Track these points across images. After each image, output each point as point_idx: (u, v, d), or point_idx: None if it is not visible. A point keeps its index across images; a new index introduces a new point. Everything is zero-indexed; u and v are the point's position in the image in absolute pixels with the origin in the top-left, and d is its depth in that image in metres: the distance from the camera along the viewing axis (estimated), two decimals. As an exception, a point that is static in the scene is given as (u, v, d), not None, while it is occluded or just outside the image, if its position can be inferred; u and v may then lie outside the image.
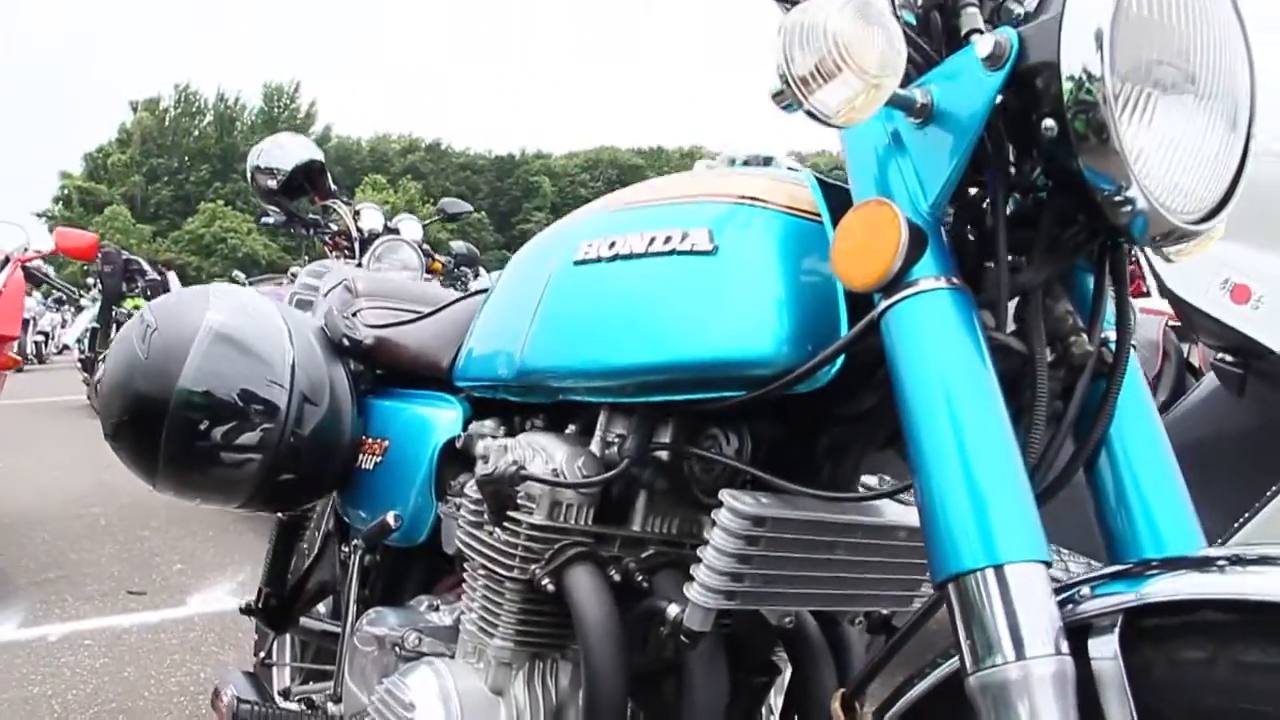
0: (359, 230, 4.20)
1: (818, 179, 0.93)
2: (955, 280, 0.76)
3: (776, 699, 1.15)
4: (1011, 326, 0.82)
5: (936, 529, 0.71)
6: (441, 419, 1.33)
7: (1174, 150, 0.76)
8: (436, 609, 1.26)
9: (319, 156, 4.12)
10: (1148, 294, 2.72)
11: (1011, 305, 0.83)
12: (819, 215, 0.90)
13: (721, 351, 0.89)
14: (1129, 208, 0.74)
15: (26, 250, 4.29)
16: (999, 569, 0.68)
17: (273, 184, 4.01)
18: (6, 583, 3.54)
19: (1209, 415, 2.04)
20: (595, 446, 1.06)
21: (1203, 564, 0.71)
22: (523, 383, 1.13)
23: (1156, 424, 0.86)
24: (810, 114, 0.73)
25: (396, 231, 4.32)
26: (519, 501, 1.02)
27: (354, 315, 1.57)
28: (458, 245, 7.02)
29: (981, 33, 0.79)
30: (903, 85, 0.78)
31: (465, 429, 1.28)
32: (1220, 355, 1.94)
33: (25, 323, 13.13)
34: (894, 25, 0.73)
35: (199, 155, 56.58)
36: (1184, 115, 0.76)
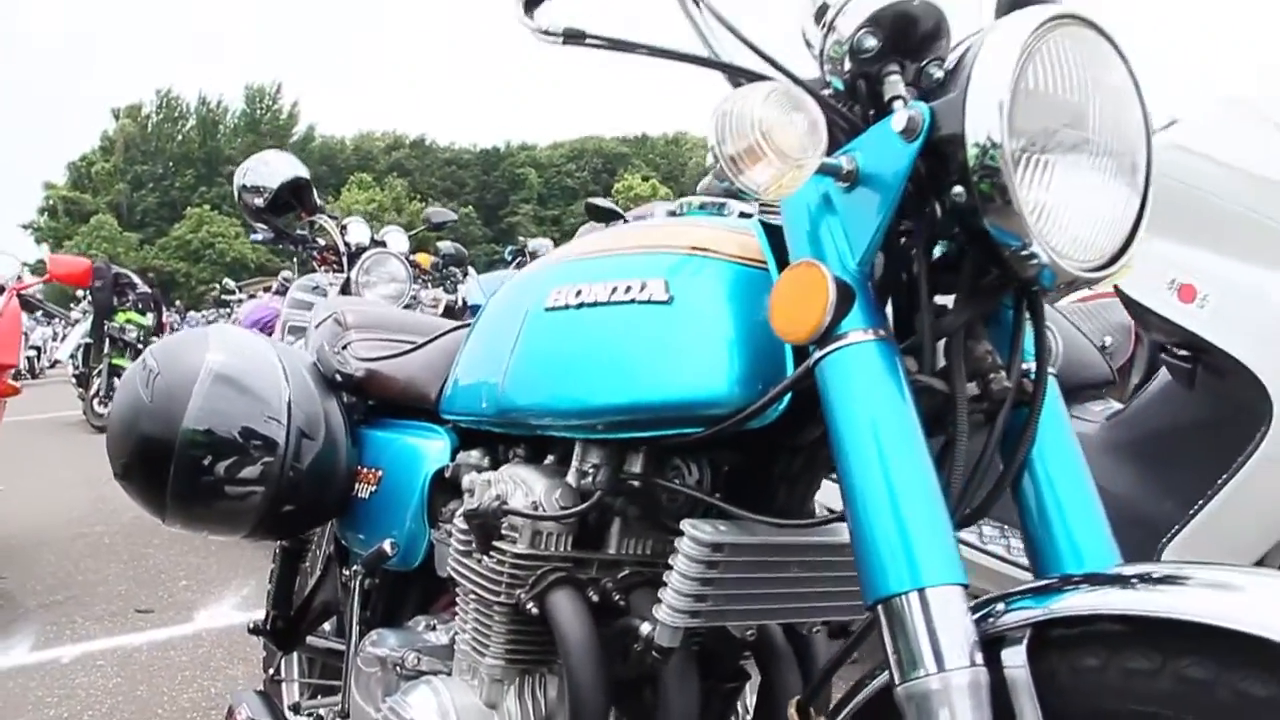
0: (346, 244, 4.28)
1: (764, 226, 1.02)
2: (881, 332, 0.85)
3: (751, 698, 1.24)
4: (944, 361, 0.91)
5: (865, 556, 0.80)
6: (431, 449, 1.41)
7: (1074, 206, 0.85)
8: (433, 628, 1.35)
9: (304, 173, 4.20)
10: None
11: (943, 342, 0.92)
12: (764, 263, 0.99)
13: (680, 393, 0.98)
14: (1034, 261, 0.83)
15: (21, 279, 4.36)
16: (921, 591, 0.77)
17: (260, 202, 4.09)
18: (16, 605, 3.63)
19: (1163, 408, 2.14)
20: (571, 477, 1.15)
21: (1106, 580, 0.79)
22: (503, 418, 1.22)
23: (1075, 448, 0.95)
24: (741, 191, 0.82)
25: (383, 244, 4.40)
26: (503, 532, 1.11)
27: (344, 348, 1.65)
28: (445, 245, 7.11)
29: (903, 99, 0.88)
30: (831, 152, 0.87)
31: (454, 459, 1.37)
32: (1171, 350, 2.04)
33: (18, 340, 13.18)
34: (815, 110, 0.82)
35: (183, 160, 56.45)
36: (1081, 174, 0.85)
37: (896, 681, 0.77)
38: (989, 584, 1.67)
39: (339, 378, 1.59)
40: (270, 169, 4.10)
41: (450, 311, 5.48)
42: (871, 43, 0.88)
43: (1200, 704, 0.69)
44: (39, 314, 15.45)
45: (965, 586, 0.78)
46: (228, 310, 13.46)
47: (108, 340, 9.13)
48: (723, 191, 2.83)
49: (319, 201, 4.32)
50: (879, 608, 0.79)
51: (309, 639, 1.77)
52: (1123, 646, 0.74)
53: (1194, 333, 1.88)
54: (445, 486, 1.37)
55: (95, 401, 8.88)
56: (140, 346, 9.48)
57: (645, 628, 1.02)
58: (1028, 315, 0.93)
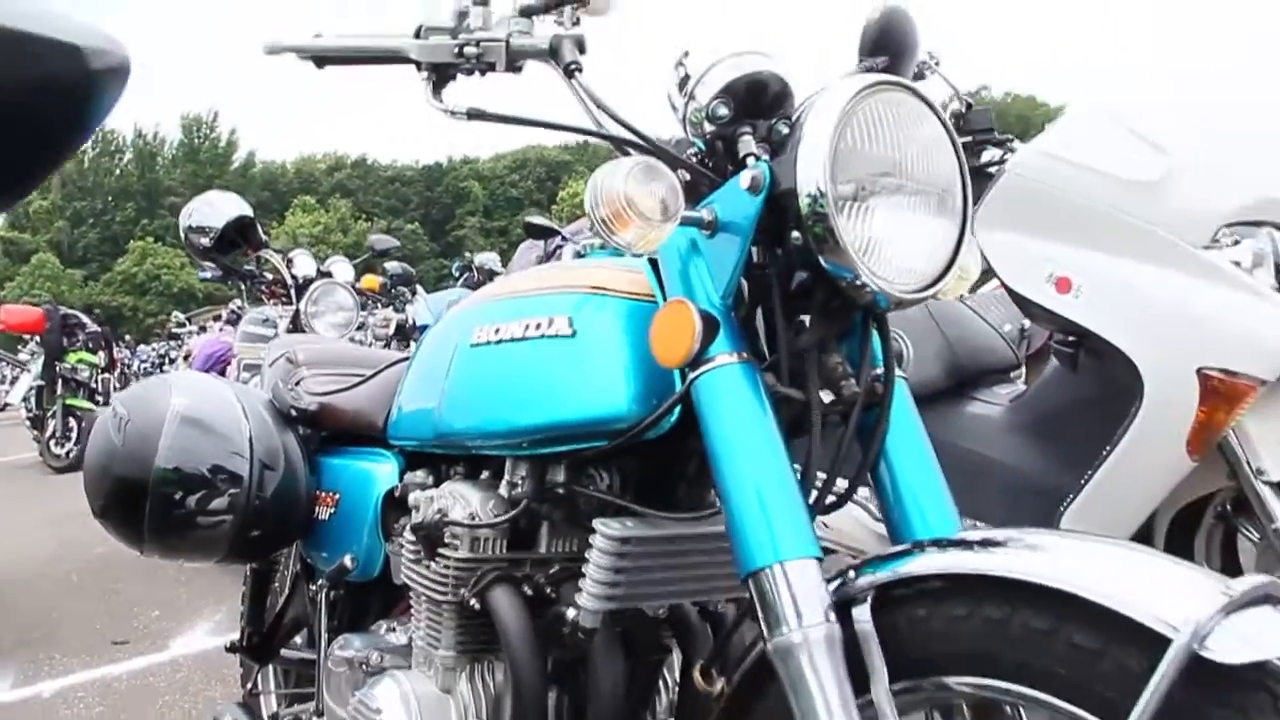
0: (293, 277, 4.41)
1: (652, 264, 1.19)
2: (743, 354, 1.03)
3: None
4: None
5: (736, 538, 0.98)
6: (381, 472, 1.57)
7: (896, 241, 1.03)
8: (393, 630, 1.51)
9: (248, 211, 4.32)
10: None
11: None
12: (654, 297, 1.16)
13: (586, 413, 1.15)
14: (866, 289, 1.01)
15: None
16: (782, 564, 0.94)
17: (206, 242, 4.20)
18: (-7, 646, 3.72)
19: (1055, 390, 2.33)
20: (503, 489, 1.31)
21: (936, 547, 0.97)
22: (442, 441, 1.39)
23: (923, 438, 1.13)
24: (616, 247, 1.00)
25: (329, 274, 4.54)
26: (446, 541, 1.28)
27: (298, 384, 1.81)
28: (392, 266, 7.22)
29: (754, 155, 1.06)
30: (698, 203, 1.05)
31: (401, 479, 1.53)
32: (1055, 338, 2.23)
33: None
34: (672, 178, 0.99)
35: (122, 194, 55.79)
36: (901, 214, 1.03)
37: (767, 640, 0.94)
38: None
39: (294, 412, 1.75)
40: (214, 209, 4.21)
41: (401, 330, 5.61)
42: (724, 111, 1.06)
43: (1002, 639, 0.87)
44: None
45: (819, 559, 0.96)
46: (179, 342, 13.46)
47: (60, 381, 9.14)
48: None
49: (264, 236, 4.45)
50: (749, 581, 0.96)
51: (283, 651, 1.92)
52: (945, 599, 0.91)
53: (1072, 321, 2.07)
54: (396, 504, 1.53)
55: (51, 442, 8.89)
56: (93, 386, 9.50)
57: (571, 613, 1.19)
58: (875, 330, 1.11)
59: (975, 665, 0.89)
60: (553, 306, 1.22)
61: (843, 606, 0.94)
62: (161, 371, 13.12)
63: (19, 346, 11.58)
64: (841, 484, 1.09)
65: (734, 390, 1.01)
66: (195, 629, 3.79)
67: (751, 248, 1.04)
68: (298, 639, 1.99)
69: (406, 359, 1.69)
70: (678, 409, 1.09)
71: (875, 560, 0.98)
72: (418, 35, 1.19)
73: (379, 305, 6.32)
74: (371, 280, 6.52)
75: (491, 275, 9.68)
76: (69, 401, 8.93)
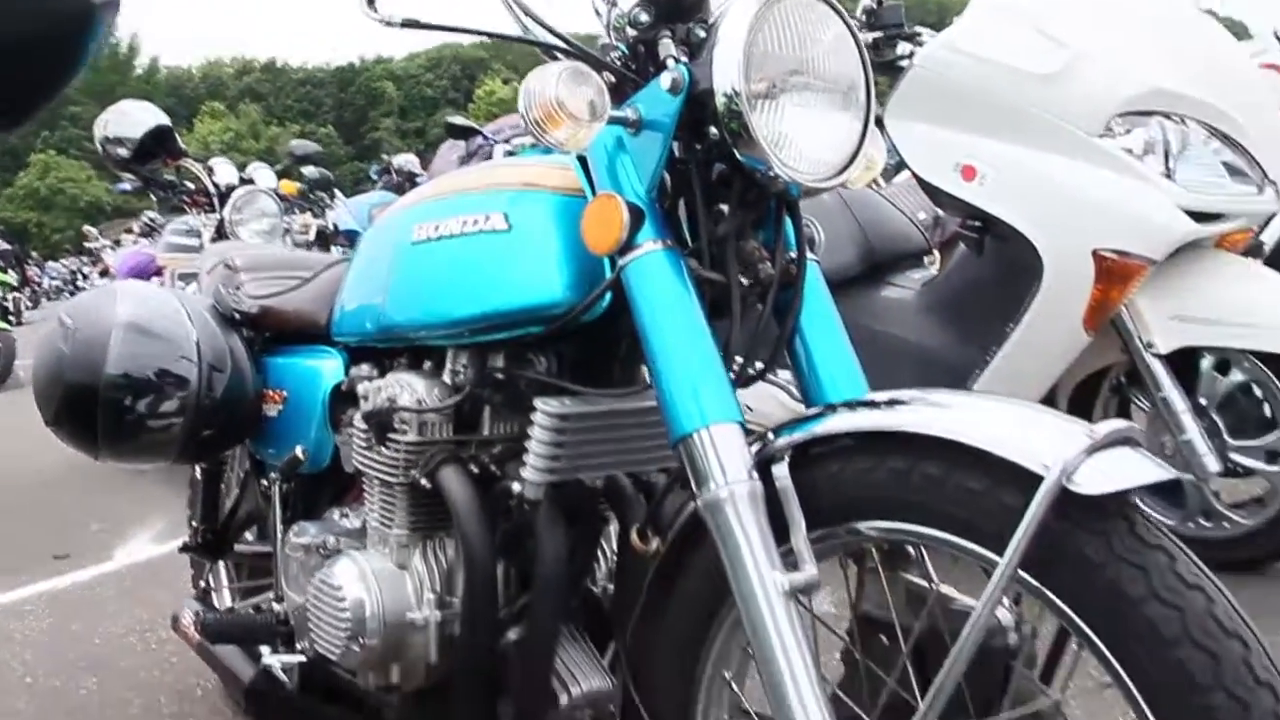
0: (215, 185, 4.37)
1: (581, 161, 1.26)
2: (668, 241, 1.12)
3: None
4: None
5: (666, 407, 1.08)
6: (327, 368, 1.64)
7: (805, 134, 1.12)
8: (346, 516, 1.59)
9: (165, 120, 4.24)
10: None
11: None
12: (583, 192, 1.24)
13: (524, 301, 1.24)
14: (779, 179, 1.10)
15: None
16: (708, 428, 1.05)
17: (124, 153, 4.13)
18: (-71, 569, 3.72)
19: (962, 272, 2.47)
20: (447, 377, 1.40)
21: (846, 408, 1.08)
22: (385, 335, 1.47)
23: (833, 313, 1.24)
24: (549, 146, 1.07)
25: (251, 181, 4.51)
26: (395, 426, 1.37)
27: (238, 289, 1.86)
28: (310, 171, 7.12)
29: (674, 58, 1.13)
30: (620, 104, 1.13)
31: (347, 374, 1.61)
32: (962, 224, 2.36)
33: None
34: (598, 81, 1.07)
35: (19, 104, 53.32)
36: (808, 110, 1.12)
37: (697, 498, 1.05)
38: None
39: (237, 315, 1.80)
40: (130, 119, 4.13)
41: (321, 236, 5.58)
42: (645, 16, 1.14)
43: (904, 486, 0.98)
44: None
45: (741, 424, 1.06)
46: (91, 258, 13.14)
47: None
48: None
49: (182, 145, 4.39)
50: (679, 445, 1.07)
51: (236, 547, 2.00)
52: (854, 454, 1.03)
53: (977, 207, 2.20)
54: (343, 398, 1.60)
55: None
56: (5, 304, 9.29)
57: (516, 487, 1.29)
58: (789, 216, 1.21)
59: (882, 511, 1.00)
60: (488, 203, 1.29)
61: (763, 465, 1.05)
62: (75, 289, 12.83)
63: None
64: (761, 367, 1.20)
65: (660, 274, 1.11)
66: (137, 539, 3.83)
67: (672, 144, 1.13)
68: (248, 535, 2.07)
69: (344, 260, 1.75)
70: (609, 294, 1.18)
71: (792, 423, 1.09)
72: None
73: (297, 211, 6.26)
74: (289, 186, 6.44)
75: (411, 177, 9.57)
76: (-16, 322, 8.74)
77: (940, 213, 3.15)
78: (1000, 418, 0.96)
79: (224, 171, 4.43)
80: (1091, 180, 2.08)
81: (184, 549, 2.10)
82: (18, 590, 3.37)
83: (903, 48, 2.44)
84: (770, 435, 1.09)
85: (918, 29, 2.58)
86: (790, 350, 1.21)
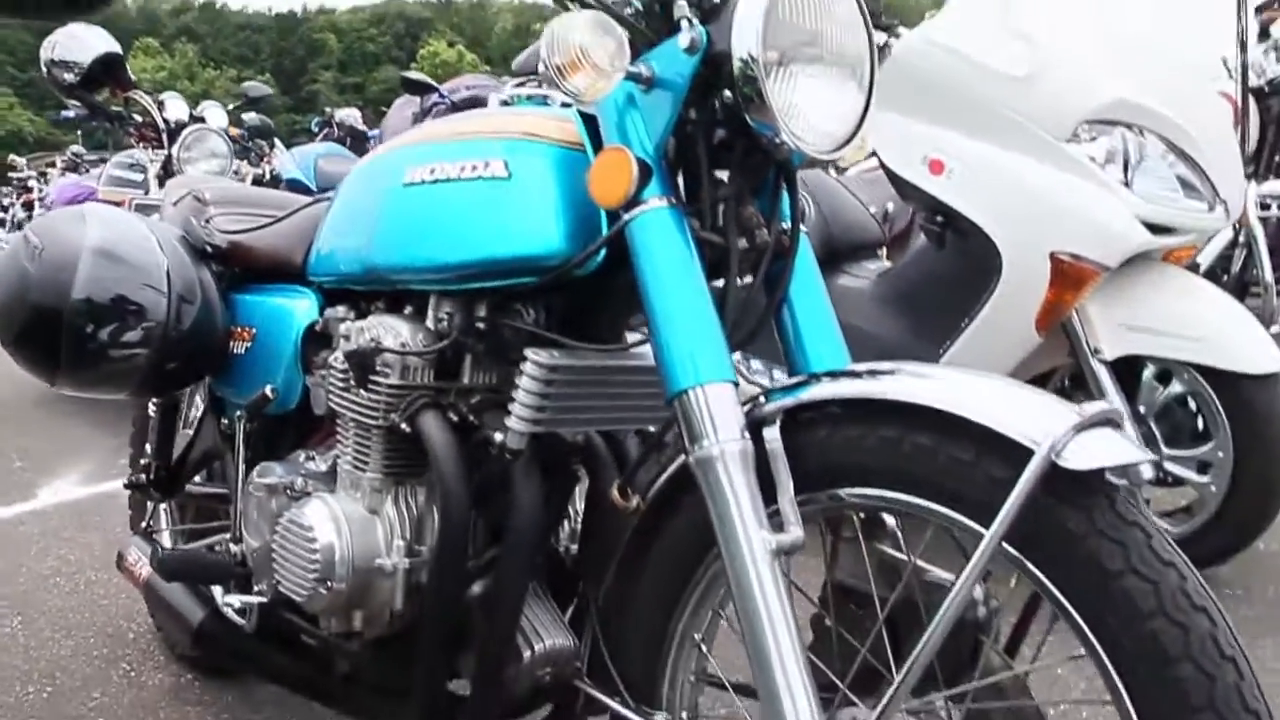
0: (165, 121, 4.27)
1: (582, 115, 1.27)
2: (673, 200, 1.14)
3: (581, 503, 1.54)
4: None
5: (663, 364, 1.10)
6: (300, 308, 1.63)
7: (812, 105, 1.14)
8: (313, 459, 1.58)
9: (116, 48, 4.13)
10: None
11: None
12: (583, 146, 1.25)
13: (520, 249, 1.24)
14: (784, 146, 1.12)
15: None
16: (702, 387, 1.07)
17: (71, 78, 4.01)
18: None
19: (920, 265, 2.53)
20: (430, 323, 1.40)
21: (833, 377, 1.11)
22: (369, 277, 1.46)
23: (820, 285, 1.27)
24: (566, 94, 1.08)
25: (202, 120, 4.41)
26: (377, 368, 1.36)
27: (208, 222, 1.83)
28: (250, 117, 6.99)
29: (688, 19, 1.14)
30: (634, 60, 1.14)
31: (321, 315, 1.60)
32: (923, 217, 2.41)
33: None
34: (621, 33, 1.08)
35: (-59, 24, 51.35)
36: (817, 82, 1.14)
37: (689, 453, 1.07)
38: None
39: (209, 249, 1.77)
40: (80, 43, 4.01)
41: (259, 184, 5.47)
42: None
43: (894, 454, 1.02)
44: None
45: (736, 384, 1.09)
46: (17, 189, 12.71)
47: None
48: (537, 67, 3.06)
49: (132, 76, 4.27)
50: (674, 402, 1.09)
51: (187, 487, 1.97)
52: (844, 421, 1.06)
53: (942, 200, 2.25)
54: (315, 338, 1.59)
55: None
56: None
57: (498, 436, 1.29)
58: (785, 186, 1.23)
59: (869, 478, 1.04)
60: (487, 150, 1.29)
61: (754, 427, 1.08)
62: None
63: None
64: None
65: (664, 230, 1.12)
66: (63, 479, 3.74)
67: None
68: (196, 476, 2.04)
69: (321, 200, 1.73)
70: (605, 249, 1.19)
71: (781, 389, 1.12)
72: None
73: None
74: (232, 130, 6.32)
75: (353, 131, 9.43)
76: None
77: (890, 208, 3.22)
78: (989, 392, 0.99)
79: (175, 107, 4.33)
80: (1055, 183, 2.14)
81: (130, 486, 2.06)
82: (-59, 525, 3.28)
83: (879, 38, 2.46)
84: (761, 399, 1.11)
85: (893, 20, 2.62)
86: (777, 319, 1.24)
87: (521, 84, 3.11)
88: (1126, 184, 2.16)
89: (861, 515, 1.13)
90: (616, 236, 1.16)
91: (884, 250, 3.02)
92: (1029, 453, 0.91)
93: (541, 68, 1.09)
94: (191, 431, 1.94)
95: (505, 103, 2.40)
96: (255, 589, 1.56)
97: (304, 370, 1.60)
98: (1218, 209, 2.21)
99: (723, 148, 1.19)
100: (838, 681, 1.08)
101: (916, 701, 1.04)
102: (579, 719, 1.42)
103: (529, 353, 1.27)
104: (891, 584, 1.10)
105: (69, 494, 3.58)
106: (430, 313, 1.40)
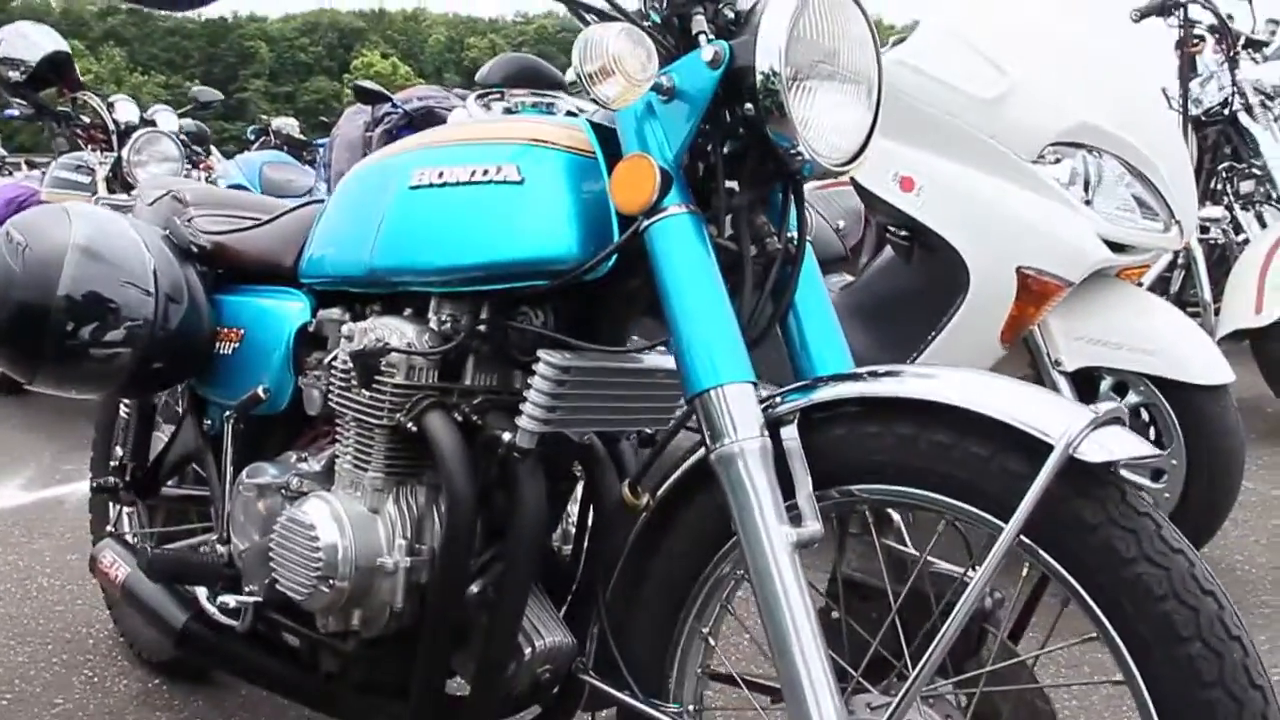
0: (115, 122, 4.20)
1: (592, 124, 1.30)
2: (692, 207, 1.17)
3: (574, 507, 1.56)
4: (730, 232, 1.24)
5: (685, 364, 1.13)
6: (291, 309, 1.63)
7: (827, 119, 1.18)
8: (304, 460, 1.58)
9: (65, 47, 4.07)
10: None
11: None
12: (593, 153, 1.28)
13: (533, 253, 1.26)
14: (800, 158, 1.16)
15: None
16: (723, 387, 1.10)
17: (17, 76, 3.94)
18: None
19: (887, 279, 2.59)
20: (433, 324, 1.41)
21: (846, 378, 1.15)
22: (370, 279, 1.46)
23: (824, 293, 1.31)
24: (594, 100, 1.11)
25: (153, 123, 4.35)
26: (382, 369, 1.37)
27: (189, 222, 1.82)
28: (186, 123, 6.90)
29: (706, 34, 1.18)
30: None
31: (314, 316, 1.60)
32: (894, 231, 2.48)
33: None
34: (650, 44, 1.11)
35: None
36: (832, 97, 1.19)
37: (709, 449, 1.10)
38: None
39: (194, 249, 1.76)
40: (28, 41, 3.94)
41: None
42: None
43: (911, 451, 1.06)
44: None
45: (754, 384, 1.12)
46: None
47: None
48: (501, 80, 3.09)
49: (80, 77, 4.21)
50: (696, 401, 1.12)
51: (163, 490, 1.95)
52: (860, 419, 1.10)
53: (912, 216, 2.32)
54: (307, 340, 1.59)
55: None
56: None
57: (507, 436, 1.31)
58: (793, 198, 1.28)
59: (884, 475, 1.07)
60: (498, 155, 1.31)
61: (771, 426, 1.11)
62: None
63: None
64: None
65: (685, 237, 1.16)
66: (8, 485, 3.66)
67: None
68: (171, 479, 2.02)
69: (310, 204, 1.74)
70: (615, 254, 1.22)
71: (795, 389, 1.16)
72: None
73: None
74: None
75: (290, 140, 9.34)
76: None
77: (841, 224, 3.29)
78: (1003, 391, 1.04)
79: (125, 109, 4.27)
80: (1022, 202, 2.22)
81: (99, 489, 2.03)
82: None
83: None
84: (777, 399, 1.15)
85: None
86: (783, 324, 1.28)
87: (483, 96, 3.13)
88: (1088, 203, 2.25)
89: (870, 511, 1.17)
90: (632, 240, 1.19)
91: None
92: (1047, 447, 0.95)
93: (571, 75, 1.11)
94: (173, 433, 1.91)
95: (509, 110, 2.43)
96: (246, 589, 1.55)
97: (296, 371, 1.60)
98: (1173, 229, 2.31)
99: (734, 158, 1.23)
100: (850, 669, 1.11)
101: (927, 688, 1.08)
102: (573, 714, 1.44)
103: (542, 353, 1.28)
104: (898, 577, 1.14)
105: (12, 500, 3.50)
106: (432, 314, 1.41)
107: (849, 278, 2.89)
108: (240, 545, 1.59)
